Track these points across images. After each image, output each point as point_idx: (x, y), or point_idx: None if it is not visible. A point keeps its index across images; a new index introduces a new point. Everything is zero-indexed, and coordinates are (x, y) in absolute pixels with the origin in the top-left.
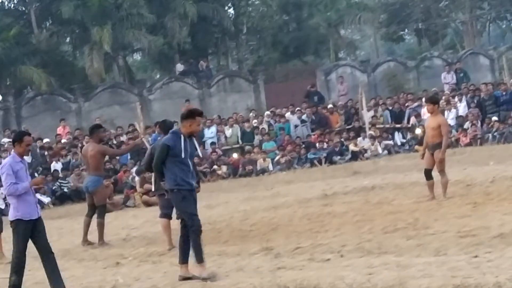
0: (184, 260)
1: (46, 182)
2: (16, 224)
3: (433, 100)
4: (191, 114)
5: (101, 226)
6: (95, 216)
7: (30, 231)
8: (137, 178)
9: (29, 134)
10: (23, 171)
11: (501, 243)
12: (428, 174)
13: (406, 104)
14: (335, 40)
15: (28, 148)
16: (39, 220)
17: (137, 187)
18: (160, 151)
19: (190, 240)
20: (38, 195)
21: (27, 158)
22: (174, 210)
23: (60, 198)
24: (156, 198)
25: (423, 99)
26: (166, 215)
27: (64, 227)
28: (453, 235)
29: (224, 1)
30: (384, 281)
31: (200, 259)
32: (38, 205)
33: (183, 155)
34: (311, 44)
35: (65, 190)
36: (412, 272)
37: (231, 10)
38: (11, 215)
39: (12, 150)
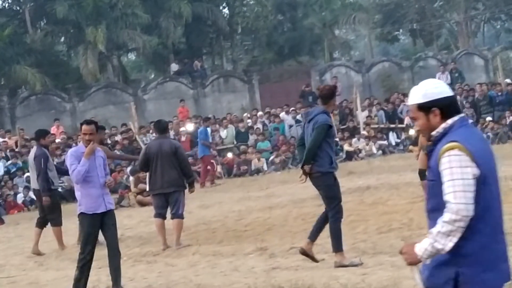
0: (338, 248)
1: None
2: (81, 218)
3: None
4: (334, 93)
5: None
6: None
7: (96, 225)
8: (131, 178)
9: (88, 123)
10: (91, 161)
11: None
12: (422, 174)
13: (403, 103)
14: (329, 40)
15: (85, 138)
16: (107, 214)
17: (132, 187)
18: (321, 132)
19: (330, 227)
20: (31, 194)
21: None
22: (168, 210)
23: None
24: (151, 198)
25: None
26: (160, 215)
27: None
28: None
29: (218, 1)
30: (379, 281)
31: (338, 247)
32: (105, 198)
33: (336, 137)
34: (305, 44)
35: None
36: (407, 272)
37: (225, 10)
38: (78, 208)
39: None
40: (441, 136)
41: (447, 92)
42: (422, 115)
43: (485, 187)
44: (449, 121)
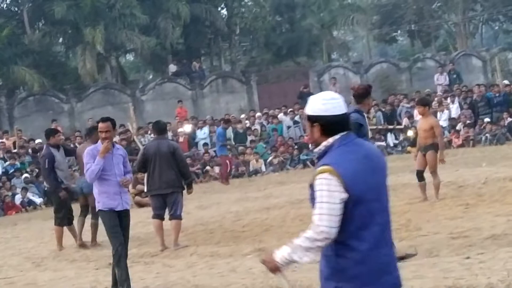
0: None
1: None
2: (100, 215)
3: (424, 102)
4: (369, 92)
5: (95, 227)
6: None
7: (116, 219)
8: None
9: (104, 120)
10: (108, 159)
11: (493, 245)
12: (420, 175)
13: (401, 104)
14: (328, 41)
15: (102, 136)
16: (123, 214)
17: (130, 187)
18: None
19: None
20: (29, 195)
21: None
22: (167, 211)
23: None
24: (149, 199)
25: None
26: (158, 216)
27: None
28: (445, 236)
29: (217, 2)
30: None
31: None
32: (123, 197)
33: (369, 135)
34: (304, 45)
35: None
36: (404, 273)
37: (224, 11)
38: (96, 204)
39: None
40: (323, 154)
41: (334, 110)
42: (309, 126)
43: (360, 207)
44: (330, 140)
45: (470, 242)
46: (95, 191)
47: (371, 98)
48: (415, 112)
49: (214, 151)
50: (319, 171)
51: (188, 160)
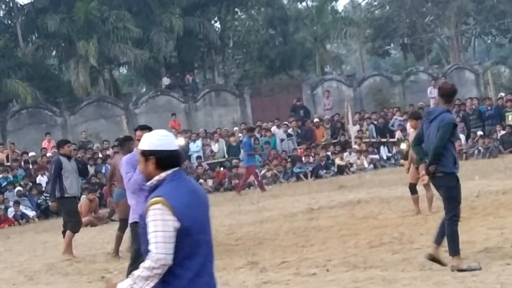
0: (455, 251)
1: None
2: (133, 227)
3: (416, 116)
4: (455, 92)
5: (119, 239)
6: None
7: None
8: None
9: (143, 128)
10: None
11: (486, 258)
12: (412, 188)
13: (394, 117)
14: (321, 55)
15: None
16: None
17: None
18: (448, 130)
19: (446, 229)
20: (22, 208)
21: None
22: None
23: (45, 212)
24: None
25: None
26: None
27: (49, 241)
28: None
29: (210, 15)
30: None
31: (454, 251)
32: None
33: (458, 136)
34: (297, 58)
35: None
36: (398, 287)
37: (217, 24)
38: (131, 217)
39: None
40: (155, 187)
41: (168, 146)
42: (142, 160)
43: (188, 238)
44: (163, 174)
45: (463, 256)
46: (132, 202)
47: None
48: (408, 125)
49: (208, 164)
50: (152, 202)
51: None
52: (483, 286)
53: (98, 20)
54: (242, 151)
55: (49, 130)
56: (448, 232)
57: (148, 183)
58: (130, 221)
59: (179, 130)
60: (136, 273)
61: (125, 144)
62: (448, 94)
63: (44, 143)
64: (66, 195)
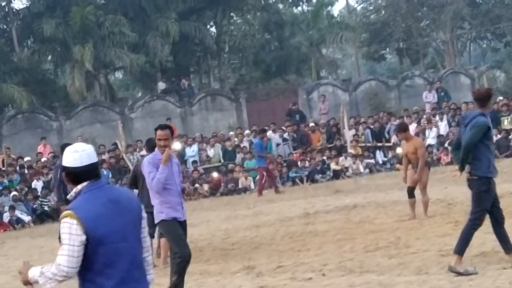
0: (460, 251)
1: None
2: (162, 225)
3: (402, 128)
4: (490, 95)
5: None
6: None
7: (180, 229)
8: None
9: (163, 128)
10: (169, 168)
11: (482, 262)
12: (410, 192)
13: (390, 122)
14: (316, 59)
15: (161, 143)
16: (184, 225)
17: None
18: (479, 131)
19: (463, 228)
20: (18, 213)
21: None
22: (157, 229)
23: (41, 217)
24: None
25: (404, 118)
26: (149, 234)
27: (45, 246)
28: (434, 254)
29: (206, 19)
30: None
31: (460, 251)
32: (183, 207)
33: (493, 139)
34: (293, 63)
35: (46, 208)
36: None
37: (213, 29)
38: (156, 218)
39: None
40: (73, 199)
41: (78, 162)
42: (65, 175)
43: (104, 247)
44: (79, 187)
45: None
46: (156, 202)
47: (492, 101)
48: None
49: (204, 169)
50: (62, 216)
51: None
52: None
53: (94, 24)
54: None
55: (45, 134)
56: (464, 232)
57: (68, 196)
58: (156, 221)
59: (175, 135)
60: (45, 268)
61: (152, 144)
62: (482, 98)
63: (40, 148)
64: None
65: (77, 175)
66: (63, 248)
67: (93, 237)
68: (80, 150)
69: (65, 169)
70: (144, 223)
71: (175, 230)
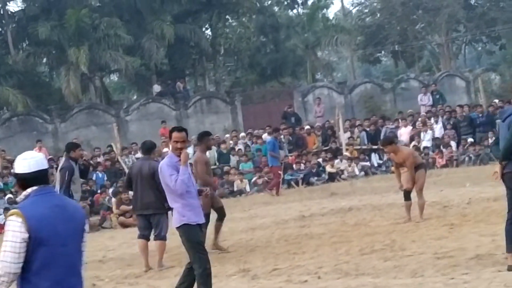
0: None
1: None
2: (184, 230)
3: (387, 142)
4: None
5: (217, 228)
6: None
7: (201, 235)
8: (113, 199)
9: (180, 130)
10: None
11: (478, 265)
12: (407, 195)
13: (384, 125)
14: (312, 62)
15: (177, 145)
16: (202, 226)
17: (114, 208)
18: None
19: (506, 227)
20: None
21: None
22: (152, 231)
23: None
24: (133, 219)
25: (400, 121)
26: (144, 236)
27: None
28: (430, 256)
29: (201, 22)
30: None
31: (510, 249)
32: (201, 210)
33: None
34: (288, 66)
35: None
36: None
37: (208, 32)
38: (176, 221)
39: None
40: (22, 201)
41: (28, 168)
42: (16, 180)
43: (43, 248)
44: (29, 190)
45: (455, 262)
46: (177, 205)
47: None
48: (399, 132)
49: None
50: (9, 214)
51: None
52: None
53: (89, 27)
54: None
55: (40, 137)
56: (507, 230)
57: (18, 199)
58: (175, 225)
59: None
60: None
61: (203, 140)
62: None
63: (35, 150)
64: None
65: (26, 180)
66: (6, 245)
67: (35, 237)
68: (29, 157)
69: (16, 175)
70: (86, 236)
71: (197, 237)
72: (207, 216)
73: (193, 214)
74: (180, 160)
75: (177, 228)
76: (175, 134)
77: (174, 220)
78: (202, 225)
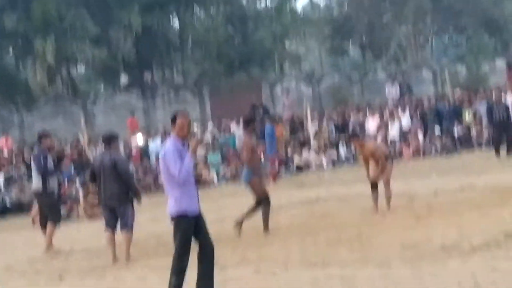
0: None
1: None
2: (180, 221)
3: (354, 137)
4: None
5: (266, 215)
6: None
7: (193, 227)
8: (80, 191)
9: (184, 114)
10: (185, 155)
11: (444, 255)
12: (374, 186)
13: (351, 117)
14: (280, 54)
15: (183, 130)
16: (200, 215)
17: (81, 199)
18: None
19: None
20: None
21: None
22: (119, 223)
23: (2, 212)
24: (101, 210)
25: (367, 112)
26: (110, 228)
27: (6, 241)
28: (396, 247)
29: (169, 13)
30: None
31: None
32: (198, 200)
33: None
34: (256, 57)
35: (7, 203)
36: (356, 285)
37: (176, 22)
38: (173, 209)
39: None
40: None
41: None
42: None
43: None
44: None
45: (421, 253)
46: (176, 193)
47: None
48: (366, 123)
49: None
50: None
51: (140, 172)
52: (441, 283)
53: (55, 18)
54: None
55: (6, 129)
56: None
57: None
58: (172, 214)
59: (137, 129)
60: None
61: (250, 124)
62: None
63: (1, 142)
64: (48, 190)
65: None
66: None
67: None
68: None
69: None
70: None
71: (189, 232)
72: (266, 198)
73: (191, 204)
74: (183, 143)
75: (173, 217)
76: (180, 119)
77: (171, 208)
78: (199, 215)
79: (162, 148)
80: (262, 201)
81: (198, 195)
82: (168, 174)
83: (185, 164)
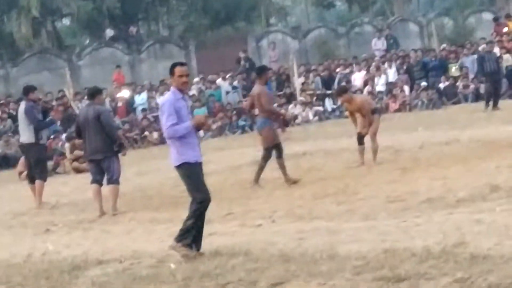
0: None
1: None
2: (184, 168)
3: (340, 92)
4: None
5: (282, 166)
6: None
7: (200, 171)
8: (66, 145)
9: (182, 64)
10: (184, 110)
11: (429, 208)
12: (360, 139)
13: (337, 70)
14: (266, 6)
15: (182, 80)
16: (201, 165)
17: (67, 153)
18: None
19: None
20: None
21: None
22: (105, 177)
23: None
24: (87, 164)
25: (354, 65)
26: (96, 181)
27: None
28: (382, 200)
29: None
30: (315, 246)
31: None
32: (199, 148)
33: None
34: (242, 10)
35: None
36: (342, 237)
37: None
38: (175, 160)
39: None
40: None
41: None
42: None
43: None
44: None
45: (407, 206)
46: (176, 143)
47: None
48: (353, 77)
49: (153, 117)
50: None
51: (126, 126)
52: (426, 235)
53: None
54: None
55: None
56: None
57: None
58: (175, 164)
59: (123, 83)
60: None
61: (263, 74)
62: None
63: None
64: (41, 142)
65: None
66: None
67: None
68: None
69: None
70: None
71: (198, 174)
72: (268, 150)
73: (193, 152)
74: (183, 96)
75: (177, 167)
76: (179, 69)
77: (173, 159)
78: (201, 164)
79: (161, 99)
80: (270, 151)
81: (199, 143)
82: (162, 125)
83: (179, 127)
